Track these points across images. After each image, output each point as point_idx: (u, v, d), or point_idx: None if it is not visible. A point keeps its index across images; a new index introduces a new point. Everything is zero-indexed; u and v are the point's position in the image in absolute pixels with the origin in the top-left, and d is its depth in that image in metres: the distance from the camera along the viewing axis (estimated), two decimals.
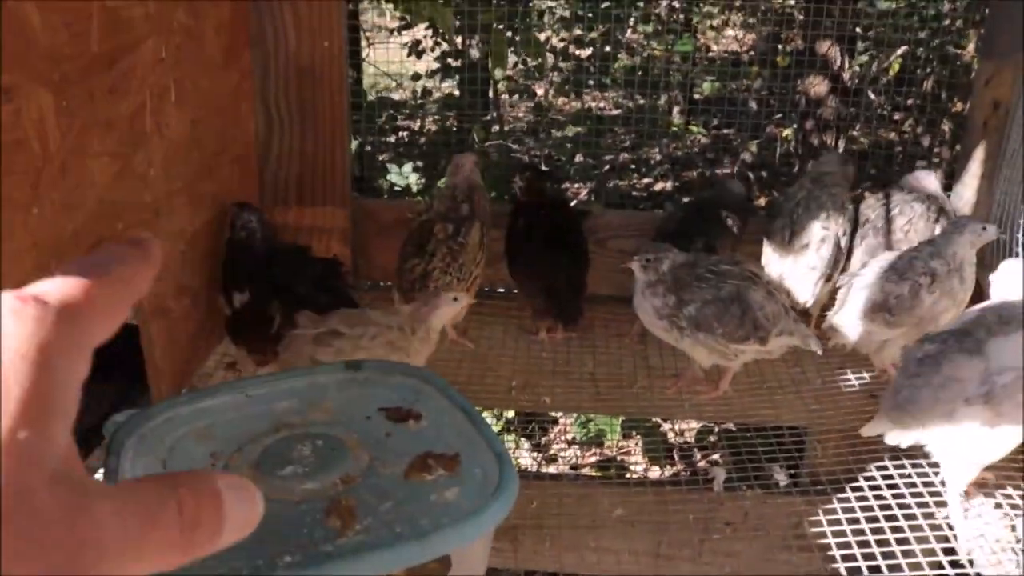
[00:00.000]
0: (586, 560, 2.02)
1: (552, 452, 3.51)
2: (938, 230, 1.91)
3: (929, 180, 2.04)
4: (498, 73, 3.26)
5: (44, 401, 0.31)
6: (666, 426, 3.63)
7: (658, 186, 5.11)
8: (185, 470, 1.09)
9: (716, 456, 3.42)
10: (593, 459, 3.49)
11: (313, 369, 1.36)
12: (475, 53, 3.63)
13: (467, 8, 2.74)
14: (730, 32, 6.37)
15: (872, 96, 4.89)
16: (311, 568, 0.94)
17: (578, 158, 4.34)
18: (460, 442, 1.17)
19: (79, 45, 1.31)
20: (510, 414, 3.24)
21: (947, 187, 2.14)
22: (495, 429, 3.26)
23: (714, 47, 6.32)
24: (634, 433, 3.43)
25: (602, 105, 5.43)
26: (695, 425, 3.54)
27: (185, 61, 1.65)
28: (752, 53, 5.62)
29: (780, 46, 4.71)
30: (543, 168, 2.14)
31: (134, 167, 1.50)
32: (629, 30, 4.41)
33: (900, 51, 4.29)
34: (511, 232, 1.99)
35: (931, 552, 1.49)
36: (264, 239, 1.79)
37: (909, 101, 4.85)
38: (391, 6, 4.46)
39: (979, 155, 1.98)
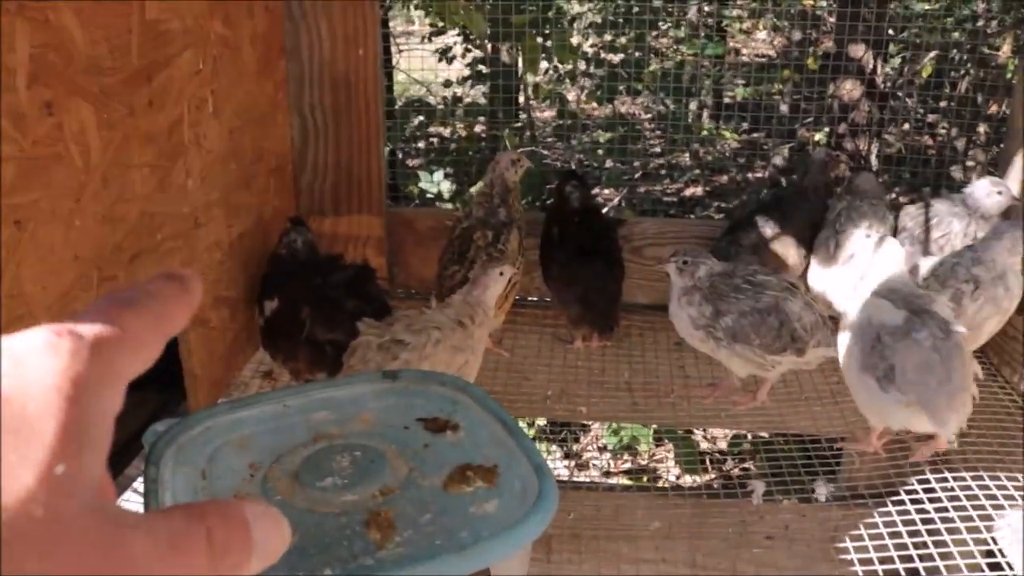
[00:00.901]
0: (621, 571, 2.01)
1: (584, 459, 3.50)
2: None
3: (989, 200, 1.94)
4: (530, 78, 3.25)
5: (79, 435, 0.31)
6: (698, 434, 3.61)
7: (688, 191, 5.09)
8: (216, 497, 1.09)
9: (749, 465, 3.39)
10: (625, 466, 3.48)
11: (351, 379, 1.36)
12: (506, 59, 3.63)
13: (499, 15, 2.74)
14: (760, 35, 6.34)
15: (905, 99, 4.84)
16: None
17: (608, 164, 4.33)
18: (498, 453, 1.16)
19: (119, 59, 1.32)
20: (542, 421, 3.24)
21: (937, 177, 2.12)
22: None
23: (744, 50, 6.28)
24: (666, 440, 3.41)
25: (633, 110, 5.42)
26: (727, 433, 3.51)
27: (222, 73, 1.66)
28: (782, 56, 5.58)
29: (811, 49, 4.68)
30: (580, 173, 2.12)
31: (173, 178, 1.51)
32: (659, 35, 4.40)
33: (932, 54, 4.24)
34: (545, 240, 1.98)
35: (975, 568, 1.46)
36: (305, 254, 1.80)
37: (943, 104, 4.80)
38: (421, 12, 4.49)
39: (1019, 160, 1.95)
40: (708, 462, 3.46)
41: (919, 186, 4.47)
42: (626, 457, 3.48)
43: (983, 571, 1.46)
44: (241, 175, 1.77)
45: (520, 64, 3.38)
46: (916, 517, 1.57)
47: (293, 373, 1.81)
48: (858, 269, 1.89)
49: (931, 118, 4.86)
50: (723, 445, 3.60)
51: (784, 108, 5.09)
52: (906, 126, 4.88)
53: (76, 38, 1.21)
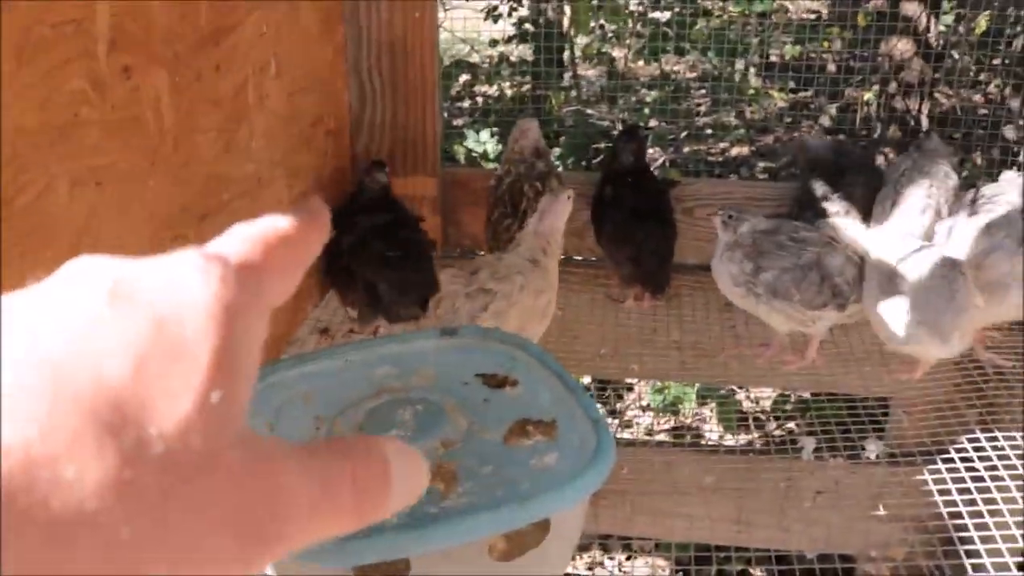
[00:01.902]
0: (667, 526, 2.05)
1: (628, 418, 3.54)
2: None
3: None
4: (579, 39, 3.25)
5: (232, 362, 0.30)
6: (741, 394, 3.63)
7: (734, 151, 5.06)
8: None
9: (792, 425, 3.41)
10: (668, 426, 3.51)
11: (410, 335, 1.40)
12: (551, 17, 3.62)
13: None
14: None
15: (957, 57, 4.76)
16: (417, 529, 0.97)
17: (653, 123, 4.31)
18: (557, 408, 1.19)
19: (190, 24, 1.36)
20: (586, 380, 3.27)
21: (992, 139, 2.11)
22: None
23: (791, 6, 6.19)
24: (708, 400, 3.43)
25: (678, 69, 5.38)
26: (771, 393, 3.53)
27: (284, 36, 1.69)
28: (832, 14, 5.49)
29: (862, 6, 4.60)
30: (637, 129, 2.13)
31: (238, 141, 1.55)
32: None
33: (986, 12, 4.16)
34: (598, 200, 2.01)
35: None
36: (378, 195, 1.88)
37: (996, 62, 4.71)
38: None
39: None
40: (751, 422, 3.48)
41: (971, 147, 4.42)
42: (668, 416, 3.51)
43: None
44: (301, 137, 1.82)
45: (567, 24, 3.37)
46: (965, 475, 1.59)
47: (347, 305, 1.88)
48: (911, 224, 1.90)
49: (984, 77, 4.78)
50: (767, 405, 3.61)
51: (832, 67, 5.03)
52: (959, 86, 4.80)
53: (153, 5, 1.25)
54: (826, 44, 5.03)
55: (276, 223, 0.37)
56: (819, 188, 2.01)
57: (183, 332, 0.29)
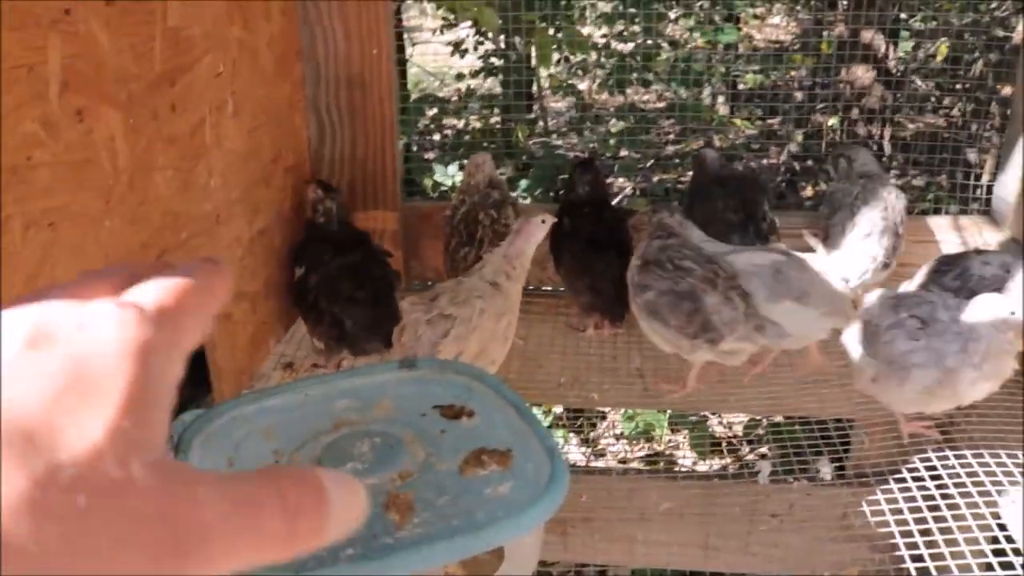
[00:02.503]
0: (635, 552, 2.06)
1: (600, 447, 3.55)
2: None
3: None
4: (543, 71, 3.29)
5: (144, 394, 0.33)
6: (713, 420, 3.65)
7: None
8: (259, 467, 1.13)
9: (764, 449, 3.43)
10: (641, 453, 3.52)
11: (370, 368, 1.41)
12: (518, 51, 3.67)
13: (511, 11, 2.78)
14: (775, 20, 6.34)
15: (919, 82, 4.85)
16: (373, 559, 0.98)
17: (623, 153, 4.36)
18: (512, 438, 1.20)
19: (144, 65, 1.38)
20: (558, 409, 3.28)
21: (992, 175, 2.15)
22: (544, 425, 3.31)
23: (758, 35, 6.29)
24: (680, 427, 3.45)
25: (646, 99, 5.44)
26: (743, 419, 3.55)
27: (241, 75, 1.71)
28: (797, 42, 5.59)
29: (825, 34, 4.68)
30: (592, 161, 2.16)
31: (196, 179, 1.57)
32: (671, 24, 4.42)
33: (944, 39, 4.25)
34: (557, 230, 2.03)
35: (976, 542, 1.51)
36: (338, 221, 1.91)
37: (958, 86, 4.80)
38: (433, 5, 4.52)
39: (1020, 148, 1.98)
40: (724, 448, 3.50)
41: (935, 171, 4.49)
42: (642, 444, 3.52)
43: (985, 546, 1.50)
44: (260, 173, 1.83)
45: (532, 57, 3.41)
46: (918, 495, 1.61)
47: (317, 338, 1.89)
48: (868, 250, 1.93)
49: (947, 100, 4.86)
50: (739, 430, 3.64)
51: (798, 94, 5.10)
52: (918, 110, 4.89)
53: (104, 47, 1.27)
54: (791, 72, 5.11)
55: (185, 275, 0.39)
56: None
57: (96, 370, 0.32)
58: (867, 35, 4.03)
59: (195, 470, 0.34)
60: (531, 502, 1.06)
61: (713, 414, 3.39)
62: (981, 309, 1.56)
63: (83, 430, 0.30)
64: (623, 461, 3.50)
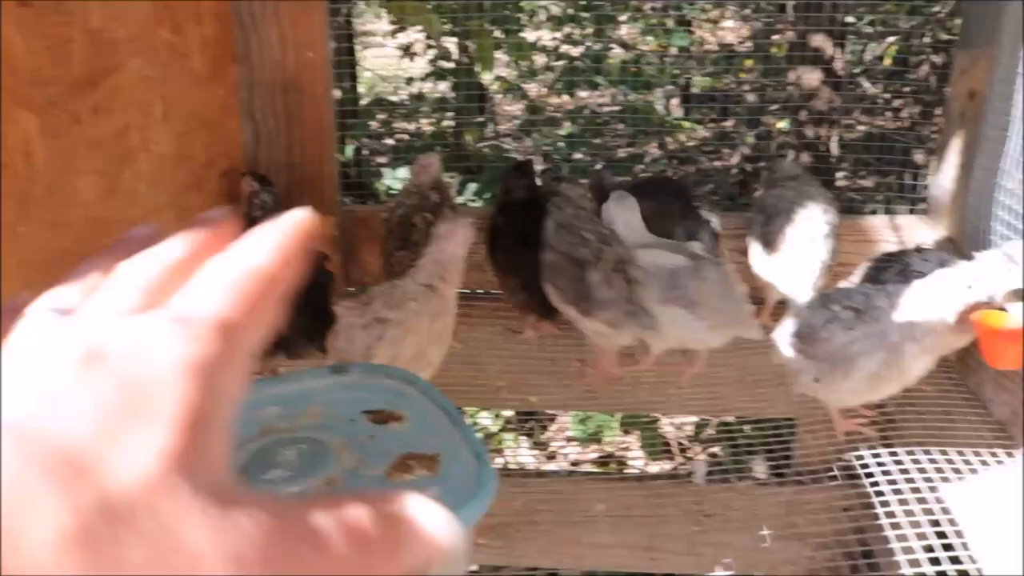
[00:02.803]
0: (581, 555, 2.05)
1: (551, 450, 3.54)
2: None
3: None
4: (486, 75, 3.29)
5: (202, 417, 0.31)
6: (664, 421, 3.66)
7: None
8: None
9: (716, 449, 3.45)
10: (593, 455, 3.52)
11: (300, 374, 1.39)
12: (467, 55, 3.66)
13: (456, 14, 2.77)
14: (728, 23, 6.40)
15: (867, 85, 4.91)
16: None
17: (575, 156, 4.37)
18: (441, 442, 1.19)
19: (62, 68, 1.35)
20: (508, 413, 3.28)
21: (903, 164, 2.17)
22: (494, 429, 3.30)
23: (711, 38, 6.34)
24: (631, 429, 3.45)
25: (601, 101, 5.46)
26: (693, 419, 3.57)
27: (171, 78, 1.69)
28: (748, 45, 5.64)
29: (776, 37, 4.73)
30: (528, 164, 2.15)
31: (121, 184, 1.54)
32: (622, 27, 4.44)
33: (891, 39, 4.31)
34: (491, 231, 2.02)
35: (910, 538, 1.52)
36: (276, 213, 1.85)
37: (906, 89, 4.87)
38: (386, 10, 4.50)
39: (956, 145, 2.00)
40: (674, 450, 3.50)
41: (884, 171, 4.55)
42: (593, 446, 3.52)
43: (925, 541, 1.52)
44: (192, 178, 1.80)
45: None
46: (858, 493, 1.62)
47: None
48: (815, 254, 1.93)
49: (897, 103, 4.94)
50: (689, 431, 3.65)
51: (750, 97, 5.15)
52: (868, 113, 4.95)
53: (18, 49, 1.24)
54: (742, 75, 5.15)
55: (251, 260, 0.36)
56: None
57: (149, 393, 0.30)
58: (815, 38, 4.07)
59: (258, 497, 0.31)
60: (458, 507, 1.05)
61: (657, 416, 3.40)
62: (937, 283, 1.57)
63: (134, 458, 0.29)
64: (575, 464, 3.50)
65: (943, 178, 2.05)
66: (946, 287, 1.55)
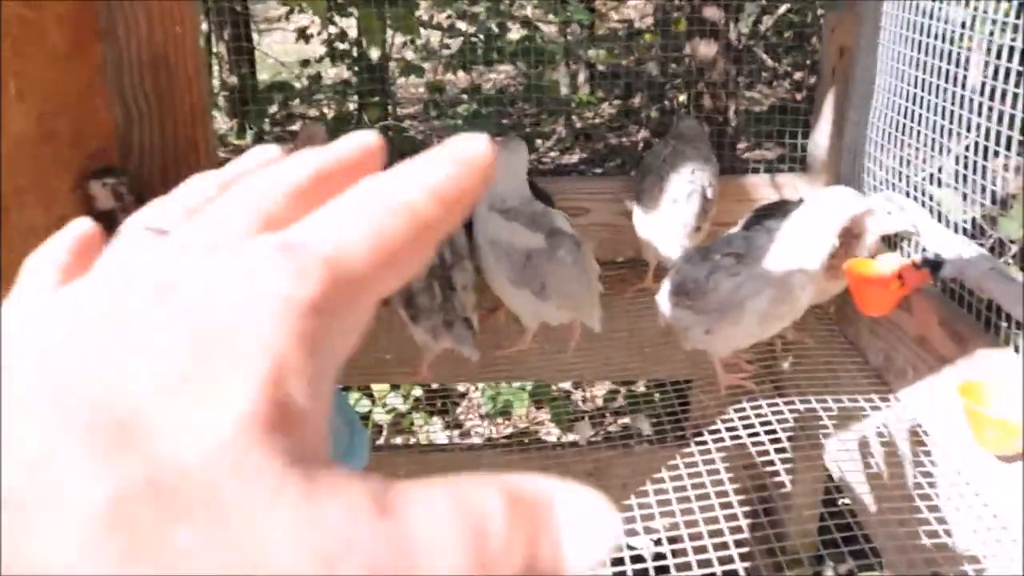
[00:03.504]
0: None
1: (467, 428, 3.54)
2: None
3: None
4: (374, 53, 3.25)
5: (298, 379, 0.24)
6: (577, 394, 3.69)
7: (565, 159, 5.16)
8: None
9: (628, 420, 3.48)
10: (508, 431, 3.53)
11: None
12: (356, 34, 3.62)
13: None
14: (633, 1, 6.45)
15: (764, 56, 5.00)
16: None
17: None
18: None
19: None
20: (418, 392, 3.26)
21: (805, 135, 2.21)
22: (403, 409, 3.28)
23: (615, 16, 6.39)
24: (542, 402, 3.47)
25: (507, 80, 5.46)
26: (605, 389, 3.60)
27: (25, 55, 1.62)
28: (650, 20, 5.69)
29: (675, 14, 4.78)
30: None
31: None
32: (525, 5, 4.43)
33: (782, 9, 4.38)
34: None
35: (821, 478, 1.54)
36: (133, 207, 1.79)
37: (802, 60, 4.97)
38: None
39: (829, 102, 2.04)
40: (586, 419, 3.52)
41: (783, 142, 4.64)
42: (505, 422, 3.53)
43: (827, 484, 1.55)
44: (56, 160, 1.74)
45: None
46: (755, 446, 1.63)
47: None
48: (683, 215, 1.96)
49: (798, 74, 5.04)
50: (600, 402, 3.68)
51: (654, 71, 5.19)
52: (768, 83, 5.04)
53: None
54: (644, 51, 5.19)
55: (404, 193, 0.28)
56: None
57: (231, 340, 0.23)
58: (709, 10, 4.12)
59: (363, 483, 0.23)
60: None
61: (570, 384, 3.42)
62: (828, 200, 1.59)
63: (201, 425, 0.22)
64: (490, 440, 3.50)
65: (819, 135, 2.10)
66: (823, 211, 1.57)
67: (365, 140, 0.32)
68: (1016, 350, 1.43)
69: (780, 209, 1.86)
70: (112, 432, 0.21)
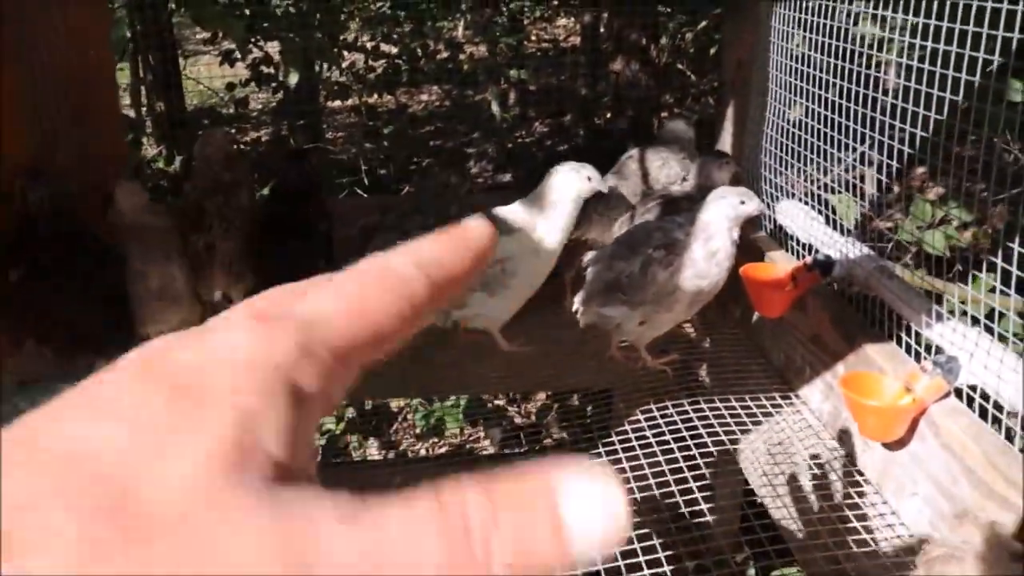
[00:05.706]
0: None
1: (403, 448, 3.53)
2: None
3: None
4: (293, 78, 3.28)
5: (261, 427, 0.26)
6: (512, 410, 3.71)
7: (498, 178, 5.21)
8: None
9: (564, 435, 3.50)
10: (443, 450, 3.52)
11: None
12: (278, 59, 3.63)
13: (256, 20, 2.75)
14: (562, 21, 6.55)
15: (688, 72, 5.12)
16: None
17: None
18: None
19: None
20: (351, 413, 3.25)
21: (710, 146, 2.28)
22: (336, 431, 3.28)
23: (545, 36, 6.48)
24: (477, 418, 3.48)
25: (437, 102, 5.50)
26: (537, 403, 3.62)
27: None
28: (577, 41, 5.78)
29: (601, 31, 4.87)
30: (300, 155, 2.14)
31: None
32: (455, 27, 4.49)
33: (701, 25, 4.50)
34: (257, 224, 2.00)
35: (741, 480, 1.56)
36: (58, 215, 1.79)
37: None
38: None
39: (729, 113, 2.13)
40: (522, 437, 3.53)
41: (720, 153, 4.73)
42: (441, 440, 3.53)
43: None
44: None
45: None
46: (676, 451, 1.66)
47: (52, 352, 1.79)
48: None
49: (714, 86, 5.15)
50: (534, 418, 3.70)
51: (583, 90, 5.28)
52: (694, 99, 5.16)
53: None
54: (572, 68, 5.28)
55: (399, 270, 0.30)
56: None
57: (199, 397, 0.26)
58: (629, 30, 4.22)
59: (343, 499, 0.25)
60: None
61: (501, 398, 3.44)
62: (714, 202, 1.66)
63: (170, 466, 0.24)
64: (425, 458, 3.49)
65: (722, 145, 2.17)
66: (727, 202, 1.65)
67: (474, 227, 0.33)
68: (898, 343, 1.50)
69: (674, 203, 1.94)
70: (89, 486, 0.24)
